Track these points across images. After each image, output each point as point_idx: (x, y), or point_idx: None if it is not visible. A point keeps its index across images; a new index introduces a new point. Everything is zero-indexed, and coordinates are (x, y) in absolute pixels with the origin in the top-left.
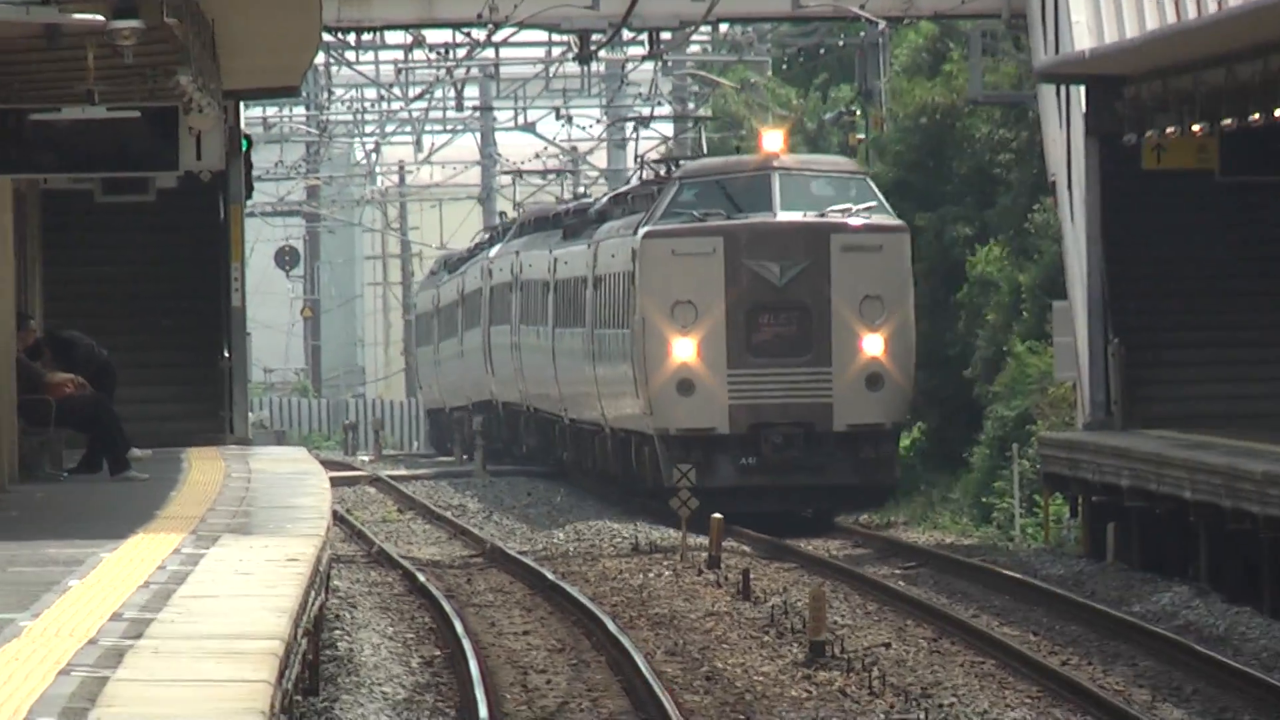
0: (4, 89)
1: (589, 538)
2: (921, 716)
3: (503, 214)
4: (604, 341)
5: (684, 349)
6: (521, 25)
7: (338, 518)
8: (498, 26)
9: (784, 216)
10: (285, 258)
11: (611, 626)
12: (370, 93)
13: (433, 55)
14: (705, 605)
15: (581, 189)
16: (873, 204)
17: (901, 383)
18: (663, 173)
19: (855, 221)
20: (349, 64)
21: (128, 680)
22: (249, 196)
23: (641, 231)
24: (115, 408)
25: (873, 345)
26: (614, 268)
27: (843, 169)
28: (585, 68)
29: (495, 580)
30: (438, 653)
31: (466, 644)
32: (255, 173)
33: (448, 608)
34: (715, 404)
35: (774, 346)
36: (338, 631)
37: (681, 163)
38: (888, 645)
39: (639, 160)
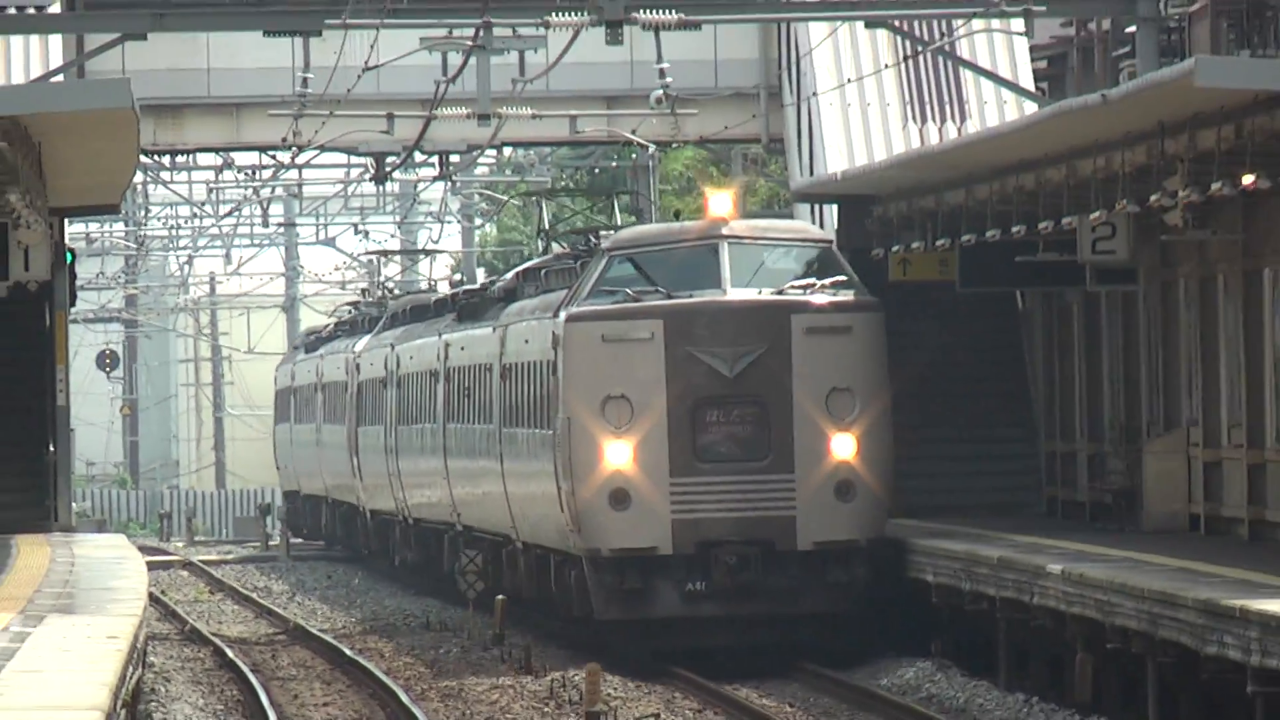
0: None
1: (384, 616)
2: None
3: (359, 299)
4: (515, 443)
5: (618, 454)
6: (322, 148)
7: (153, 598)
8: (301, 149)
9: (735, 294)
10: (106, 360)
11: (404, 698)
12: (184, 210)
13: (241, 175)
14: (491, 679)
15: (379, 293)
16: (840, 278)
17: (877, 491)
18: (581, 246)
19: (820, 299)
20: (164, 183)
21: None
22: (73, 304)
23: (565, 313)
24: None
25: (843, 447)
26: (528, 355)
27: (805, 236)
28: (380, 187)
29: (298, 655)
30: None
31: (271, 715)
32: (78, 283)
33: (254, 681)
34: (655, 519)
35: (725, 450)
36: (154, 703)
37: (605, 233)
38: (657, 716)
39: (543, 233)
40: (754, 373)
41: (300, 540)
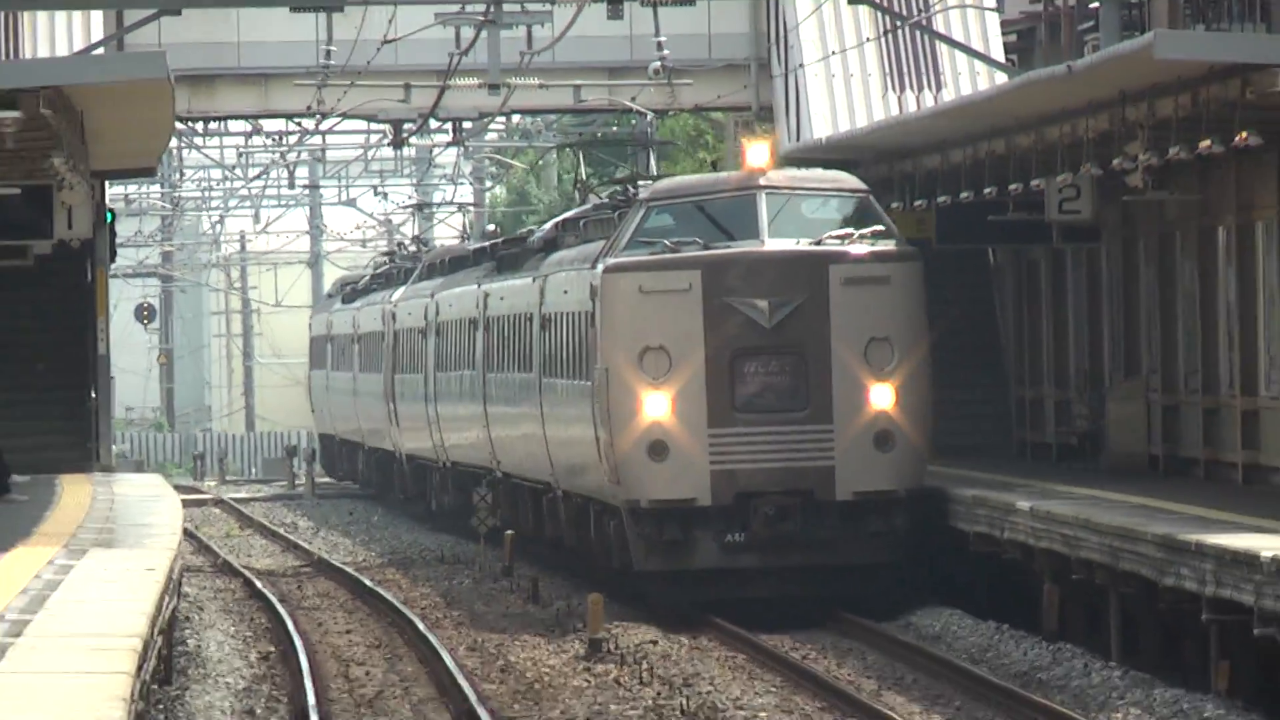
0: None
1: (401, 550)
2: (683, 702)
3: (394, 251)
4: (555, 394)
5: (656, 405)
6: (344, 116)
7: (187, 534)
8: (324, 116)
9: (773, 245)
10: (144, 313)
11: (421, 626)
12: (216, 173)
13: (269, 141)
14: (500, 608)
15: (413, 247)
16: (879, 228)
17: (916, 441)
18: (620, 196)
19: (858, 249)
20: (198, 148)
21: (7, 672)
22: (113, 261)
23: (603, 264)
24: None
25: (881, 397)
26: (567, 306)
27: (842, 186)
28: (398, 152)
29: (322, 586)
30: (273, 648)
31: (297, 641)
32: (118, 240)
33: (281, 610)
34: (694, 470)
35: (763, 400)
36: (188, 630)
37: (644, 184)
38: (655, 642)
39: (579, 185)
40: (792, 323)
41: (330, 481)
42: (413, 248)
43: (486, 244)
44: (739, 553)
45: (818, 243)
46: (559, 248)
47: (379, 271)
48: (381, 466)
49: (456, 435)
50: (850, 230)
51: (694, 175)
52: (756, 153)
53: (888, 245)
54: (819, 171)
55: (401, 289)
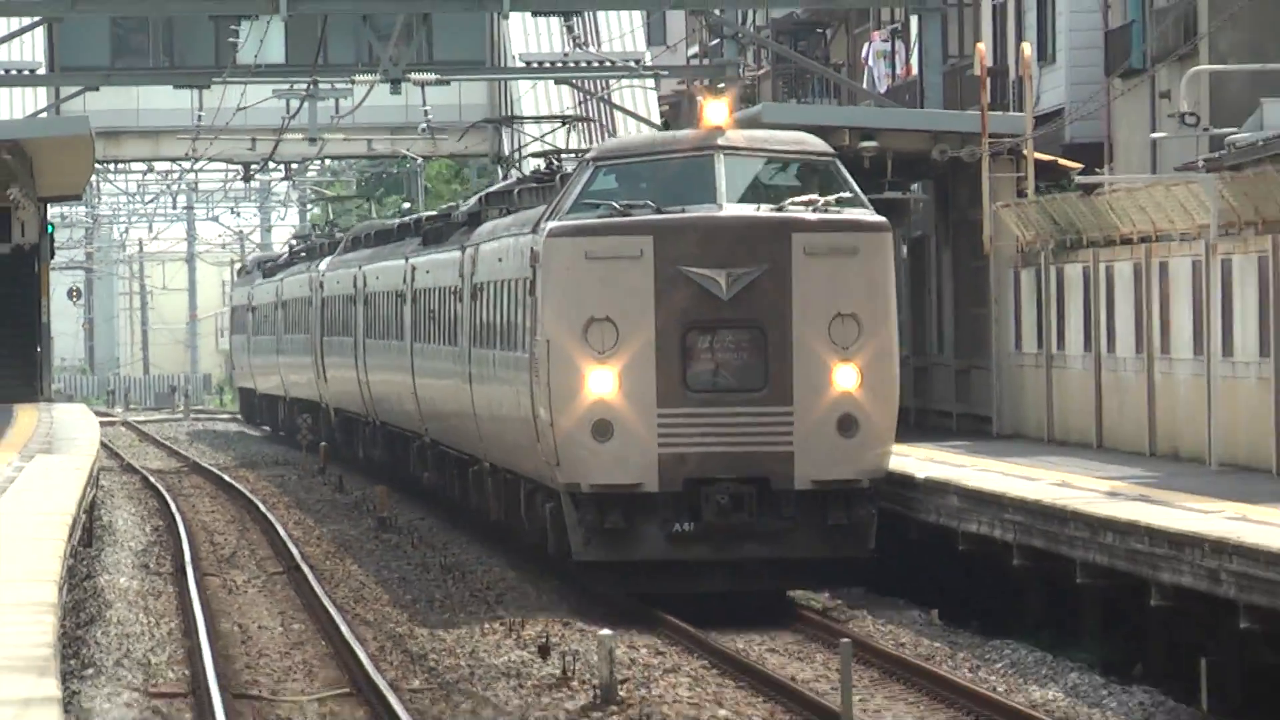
0: None
1: (249, 457)
2: (440, 560)
3: (301, 236)
4: (486, 366)
5: (601, 381)
6: (210, 159)
7: (103, 444)
8: (196, 160)
9: (731, 210)
10: (74, 294)
11: (262, 508)
12: (123, 198)
13: (158, 176)
14: (317, 495)
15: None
16: (845, 195)
17: (881, 426)
18: (544, 172)
19: (823, 217)
20: (110, 181)
21: None
22: (52, 258)
23: (546, 227)
24: None
25: (846, 378)
26: (501, 274)
27: (806, 149)
28: (247, 184)
29: (195, 480)
30: (161, 523)
31: (178, 517)
32: (56, 244)
33: (167, 496)
34: (641, 453)
35: (718, 379)
36: (103, 509)
37: (569, 155)
38: (423, 518)
39: (501, 160)
40: (750, 295)
41: (204, 410)
42: (316, 231)
43: (410, 220)
44: (688, 544)
45: (779, 209)
46: (484, 220)
47: (297, 249)
48: (310, 414)
49: (385, 401)
50: (814, 196)
51: (647, 134)
52: (715, 110)
53: (855, 213)
54: (780, 133)
55: (327, 259)
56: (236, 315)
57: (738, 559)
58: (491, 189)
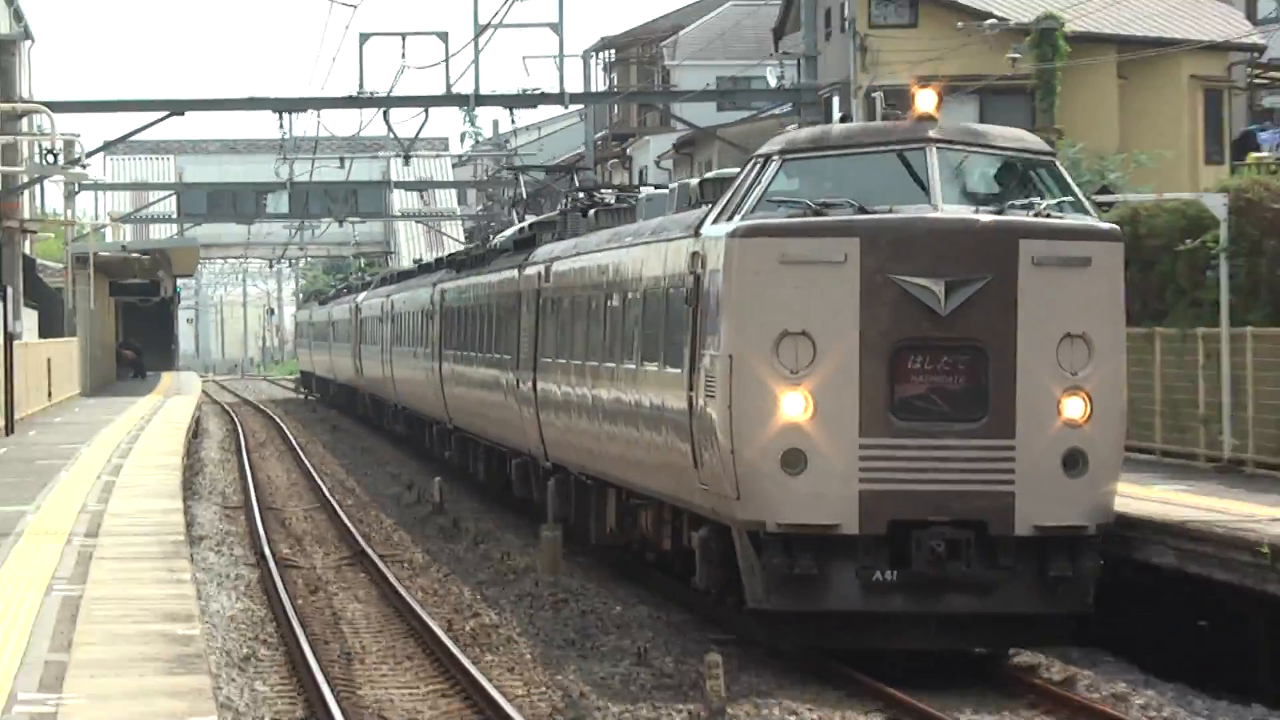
0: None
1: (289, 405)
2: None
3: (346, 276)
4: (621, 382)
5: (793, 405)
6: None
7: (203, 391)
8: (247, 258)
9: (948, 210)
10: (189, 321)
11: (283, 426)
12: (212, 274)
13: (229, 264)
14: (314, 423)
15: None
16: (1069, 199)
17: (1110, 464)
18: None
19: (1053, 223)
20: (205, 264)
21: (140, 450)
22: (178, 304)
23: (730, 225)
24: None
25: (1073, 408)
26: (646, 284)
27: (1025, 146)
28: (272, 267)
29: (253, 411)
30: (229, 428)
31: (239, 425)
32: (181, 297)
33: (234, 416)
34: (838, 489)
35: (931, 406)
36: (203, 419)
37: (643, 188)
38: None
39: (518, 204)
40: (971, 310)
41: (305, 394)
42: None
43: (432, 260)
44: (886, 594)
45: (1000, 212)
46: (538, 245)
47: (342, 286)
48: (348, 394)
49: (410, 394)
50: (1034, 199)
51: (842, 124)
52: (925, 99)
53: (1082, 220)
54: (994, 128)
55: (364, 293)
56: (300, 329)
57: (944, 613)
58: (539, 219)
